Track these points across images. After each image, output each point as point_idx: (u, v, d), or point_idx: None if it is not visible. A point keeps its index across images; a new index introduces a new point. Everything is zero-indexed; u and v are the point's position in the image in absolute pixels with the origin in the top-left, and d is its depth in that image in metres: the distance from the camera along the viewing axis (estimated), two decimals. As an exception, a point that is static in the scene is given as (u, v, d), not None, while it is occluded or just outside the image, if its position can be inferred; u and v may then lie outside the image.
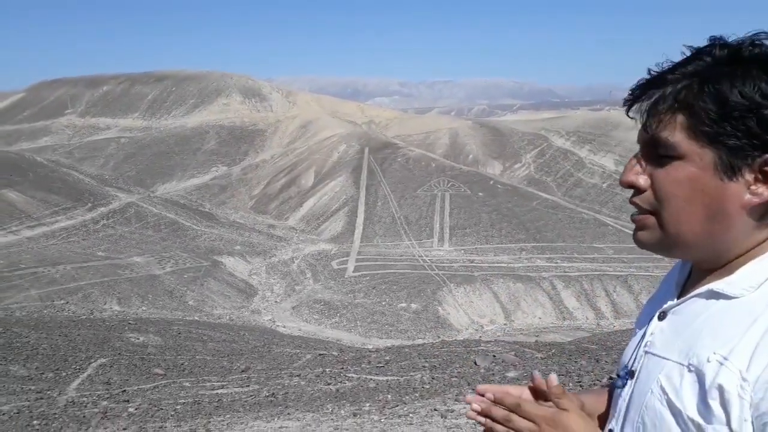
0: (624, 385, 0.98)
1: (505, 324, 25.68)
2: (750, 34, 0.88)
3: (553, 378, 0.98)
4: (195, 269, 27.79)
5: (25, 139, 55.62)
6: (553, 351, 11.28)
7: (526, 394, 1.05)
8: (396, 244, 34.26)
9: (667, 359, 0.90)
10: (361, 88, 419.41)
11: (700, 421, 0.81)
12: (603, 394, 1.19)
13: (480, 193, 38.58)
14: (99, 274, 25.20)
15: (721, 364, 0.81)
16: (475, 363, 10.32)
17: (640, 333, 1.01)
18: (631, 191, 0.97)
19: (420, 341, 19.92)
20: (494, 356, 10.75)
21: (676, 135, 0.87)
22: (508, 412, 0.95)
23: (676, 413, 0.84)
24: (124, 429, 6.84)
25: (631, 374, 0.97)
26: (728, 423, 0.79)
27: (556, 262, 30.54)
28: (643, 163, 0.93)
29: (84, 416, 7.69)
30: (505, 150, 49.48)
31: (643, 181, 0.92)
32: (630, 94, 0.96)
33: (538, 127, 52.70)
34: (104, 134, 55.45)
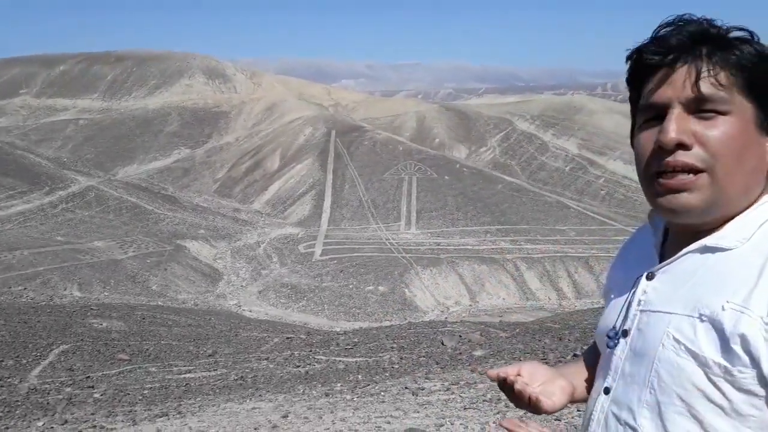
0: (616, 345, 1.03)
1: (470, 305, 26.09)
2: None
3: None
4: (158, 254, 27.30)
5: (-23, 119, 53.32)
6: (517, 330, 11.54)
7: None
8: (363, 227, 34.29)
9: (672, 313, 0.94)
10: (327, 69, 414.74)
11: (726, 363, 0.87)
12: (579, 362, 1.26)
13: (446, 177, 38.83)
14: (58, 259, 24.54)
15: (742, 312, 0.86)
16: (442, 343, 10.49)
17: (624, 296, 1.05)
18: (650, 156, 0.95)
19: (387, 323, 20.08)
20: (460, 336, 10.94)
21: (724, 91, 0.91)
22: None
23: (698, 359, 0.89)
24: (92, 414, 6.75)
25: (624, 333, 1.02)
26: (755, 366, 0.85)
27: (520, 244, 31.07)
28: (685, 121, 0.92)
29: (48, 403, 7.56)
30: (471, 134, 49.81)
31: (689, 138, 0.92)
32: (654, 52, 0.94)
33: (503, 111, 53.17)
34: (61, 116, 53.58)
